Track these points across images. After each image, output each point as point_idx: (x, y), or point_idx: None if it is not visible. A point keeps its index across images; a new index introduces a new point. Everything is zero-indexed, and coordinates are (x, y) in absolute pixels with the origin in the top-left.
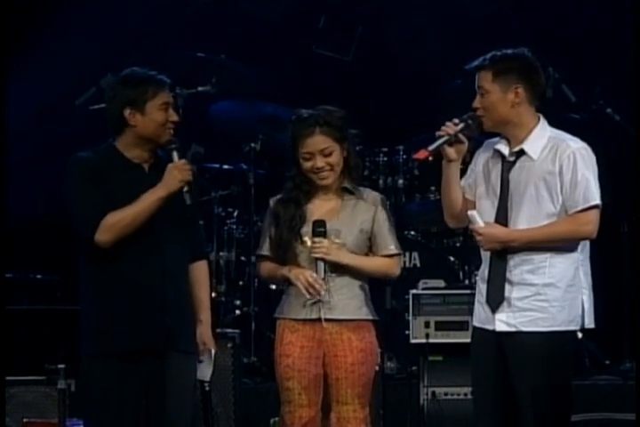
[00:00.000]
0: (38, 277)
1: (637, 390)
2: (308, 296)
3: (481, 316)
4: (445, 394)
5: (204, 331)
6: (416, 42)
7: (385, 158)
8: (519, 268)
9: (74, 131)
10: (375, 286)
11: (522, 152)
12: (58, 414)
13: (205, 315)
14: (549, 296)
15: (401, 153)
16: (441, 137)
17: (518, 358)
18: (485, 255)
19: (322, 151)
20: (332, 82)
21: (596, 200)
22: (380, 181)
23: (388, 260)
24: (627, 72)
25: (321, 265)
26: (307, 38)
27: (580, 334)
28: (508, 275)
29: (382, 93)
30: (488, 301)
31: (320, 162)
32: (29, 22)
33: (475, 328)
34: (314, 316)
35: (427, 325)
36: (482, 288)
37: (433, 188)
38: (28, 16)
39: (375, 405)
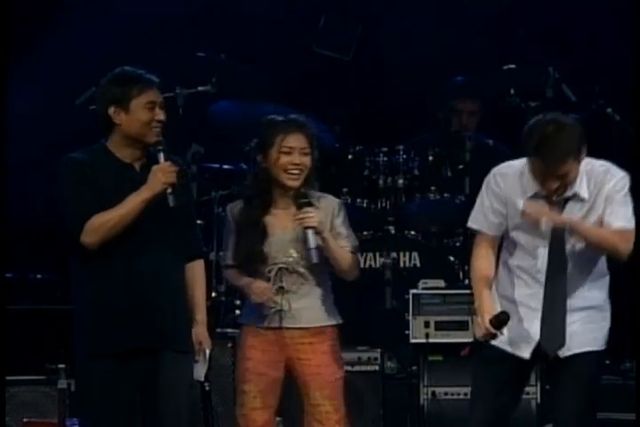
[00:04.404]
0: (38, 276)
1: (637, 390)
2: (254, 302)
3: (503, 336)
4: (445, 394)
5: (200, 331)
6: (416, 42)
7: (385, 158)
8: (568, 295)
9: (74, 130)
10: (375, 286)
11: (573, 195)
12: (58, 413)
13: (201, 315)
14: (596, 317)
15: (401, 153)
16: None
17: (571, 379)
18: (507, 276)
19: (301, 149)
20: (332, 82)
21: (633, 225)
22: (380, 181)
23: (352, 255)
24: (627, 72)
25: (310, 234)
26: (307, 38)
27: None
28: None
29: (382, 93)
30: (544, 343)
31: (298, 159)
32: (30, 22)
33: (491, 346)
34: (275, 324)
35: (427, 324)
36: (510, 309)
37: (433, 188)
38: (28, 16)
39: (375, 404)
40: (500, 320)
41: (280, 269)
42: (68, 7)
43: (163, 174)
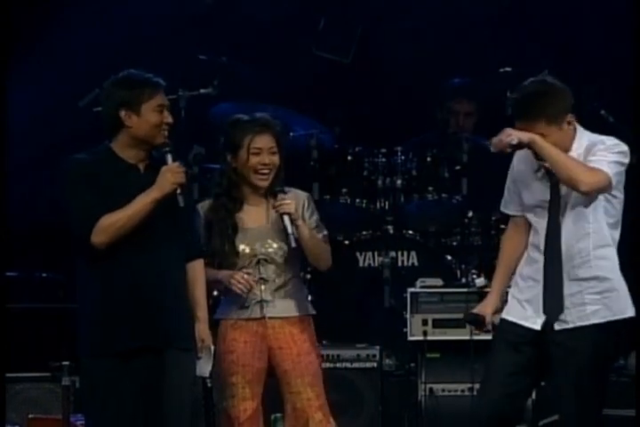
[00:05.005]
0: (43, 275)
1: (637, 389)
2: (239, 293)
3: (518, 311)
4: (443, 391)
5: (202, 328)
6: (415, 43)
7: (383, 159)
8: (567, 264)
9: (75, 131)
10: (374, 285)
11: None
12: (62, 410)
13: (202, 313)
14: (600, 288)
15: (399, 154)
16: None
17: (575, 352)
18: (525, 256)
19: (269, 149)
20: (331, 83)
21: (611, 175)
22: (379, 182)
23: (324, 243)
24: (623, 74)
25: (287, 220)
26: (306, 40)
27: None
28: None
29: (381, 94)
30: (545, 310)
31: (267, 158)
32: (32, 23)
33: (506, 321)
34: (257, 315)
35: (424, 322)
36: (522, 286)
37: (431, 188)
38: (30, 17)
39: (373, 401)
40: (466, 318)
41: (259, 260)
42: (68, 7)
43: (172, 175)
